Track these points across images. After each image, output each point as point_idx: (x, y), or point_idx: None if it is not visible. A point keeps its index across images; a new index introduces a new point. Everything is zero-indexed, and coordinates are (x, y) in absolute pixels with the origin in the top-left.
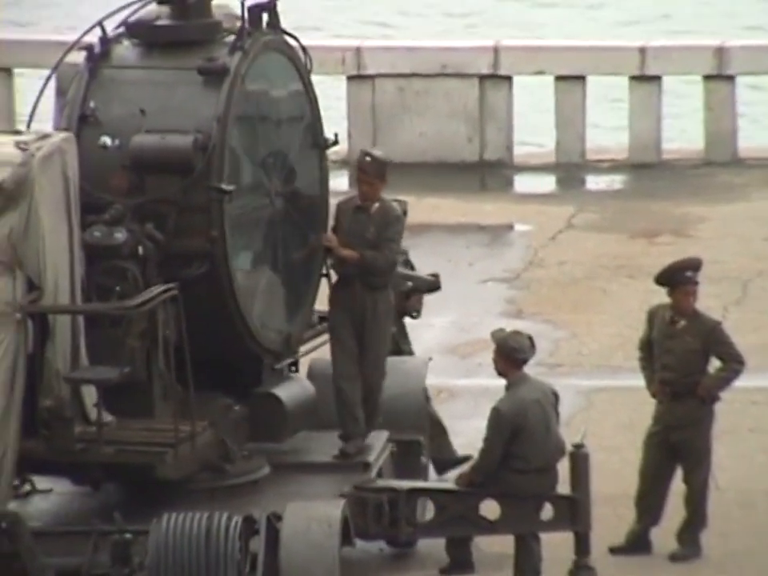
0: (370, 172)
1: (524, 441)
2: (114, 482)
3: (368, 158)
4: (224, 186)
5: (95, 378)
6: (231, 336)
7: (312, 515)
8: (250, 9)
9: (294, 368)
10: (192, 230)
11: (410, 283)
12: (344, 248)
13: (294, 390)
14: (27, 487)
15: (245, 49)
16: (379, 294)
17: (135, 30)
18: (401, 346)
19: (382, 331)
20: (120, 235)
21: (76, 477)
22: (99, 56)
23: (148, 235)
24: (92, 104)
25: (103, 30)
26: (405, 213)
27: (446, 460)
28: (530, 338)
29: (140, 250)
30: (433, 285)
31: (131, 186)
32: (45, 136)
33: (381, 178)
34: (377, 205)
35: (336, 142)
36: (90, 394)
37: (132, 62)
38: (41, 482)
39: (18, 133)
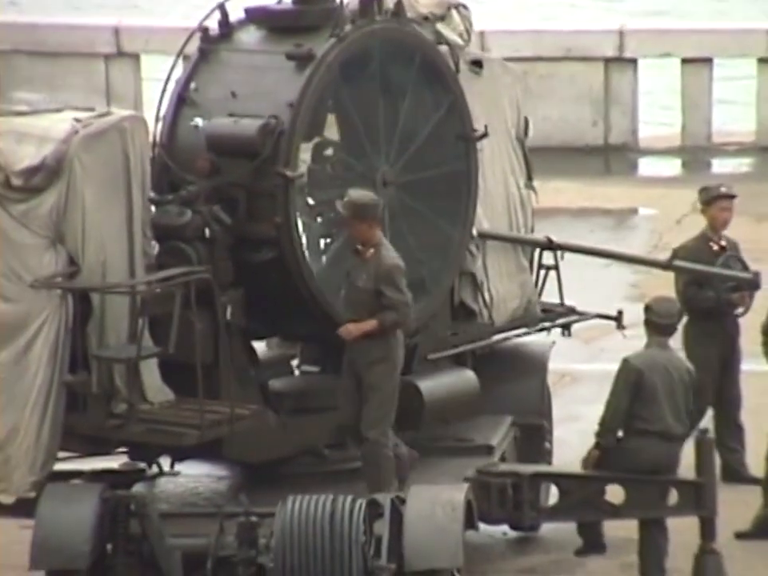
0: (347, 214)
1: (645, 399)
2: (180, 460)
3: (345, 200)
4: (288, 173)
5: (115, 356)
6: (313, 322)
7: (436, 499)
8: None
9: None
10: (261, 215)
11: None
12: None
13: (445, 381)
14: (155, 469)
15: (339, 36)
16: (374, 341)
17: (251, 13)
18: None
19: (375, 381)
20: (185, 217)
21: (134, 453)
22: (213, 39)
23: (215, 217)
24: (193, 85)
25: (223, 12)
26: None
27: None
28: (679, 308)
29: (206, 232)
30: (753, 282)
31: (212, 168)
32: (104, 114)
33: (360, 220)
34: (371, 251)
35: (485, 134)
36: (151, 373)
37: (239, 46)
38: (168, 464)
39: (90, 110)
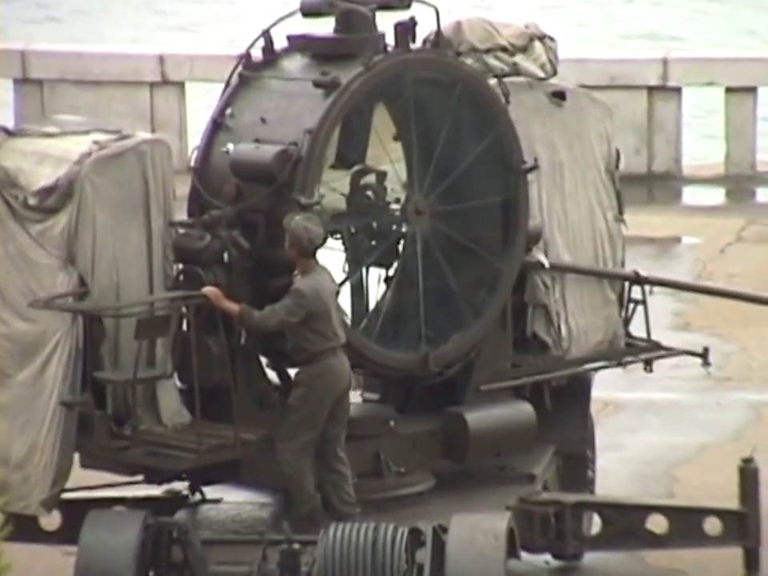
0: (286, 239)
1: None
2: (203, 484)
3: (287, 221)
4: (302, 199)
5: (110, 378)
6: None
7: (478, 527)
8: (395, 27)
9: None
10: (279, 240)
11: None
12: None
13: (496, 413)
14: (197, 497)
15: (367, 65)
16: (300, 367)
17: (292, 41)
18: None
19: (292, 402)
20: (203, 241)
21: (148, 475)
22: (253, 65)
23: (233, 242)
24: (229, 111)
25: (268, 40)
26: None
27: None
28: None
29: (225, 256)
30: None
31: (238, 193)
32: (124, 137)
33: (290, 245)
34: (299, 277)
35: (536, 167)
36: (168, 395)
37: (276, 73)
38: (210, 491)
39: (116, 133)
